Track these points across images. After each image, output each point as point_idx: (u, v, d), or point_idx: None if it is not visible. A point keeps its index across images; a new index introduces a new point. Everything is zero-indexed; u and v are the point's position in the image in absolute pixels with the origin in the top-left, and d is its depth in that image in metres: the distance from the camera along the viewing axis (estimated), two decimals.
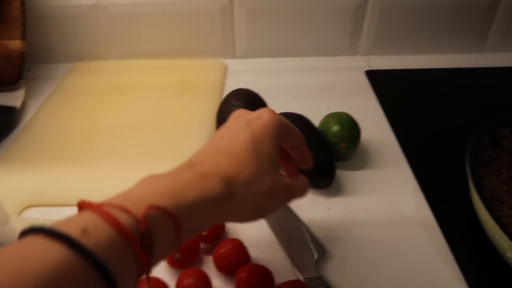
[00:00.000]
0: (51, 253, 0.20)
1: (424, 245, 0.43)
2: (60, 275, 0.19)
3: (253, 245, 0.42)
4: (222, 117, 0.54)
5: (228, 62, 0.78)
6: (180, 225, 0.25)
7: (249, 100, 0.54)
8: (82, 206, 0.24)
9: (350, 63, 0.77)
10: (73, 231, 0.21)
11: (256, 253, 0.42)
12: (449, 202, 0.49)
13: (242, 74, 0.74)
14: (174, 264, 0.41)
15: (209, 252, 0.43)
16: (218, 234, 0.43)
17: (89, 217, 0.22)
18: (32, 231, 0.21)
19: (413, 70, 0.74)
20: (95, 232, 0.21)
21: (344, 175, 0.52)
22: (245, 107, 0.53)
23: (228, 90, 0.58)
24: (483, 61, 0.76)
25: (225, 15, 0.73)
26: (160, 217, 0.25)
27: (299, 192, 0.36)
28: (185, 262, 0.41)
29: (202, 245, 0.43)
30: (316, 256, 0.42)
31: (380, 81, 0.72)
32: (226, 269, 0.40)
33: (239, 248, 0.40)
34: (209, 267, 0.41)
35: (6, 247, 0.20)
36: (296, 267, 0.41)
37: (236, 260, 0.39)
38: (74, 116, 0.64)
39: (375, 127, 0.61)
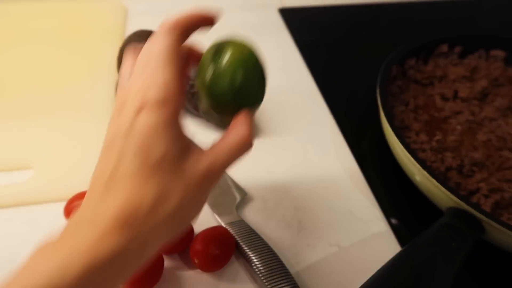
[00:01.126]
0: None
1: (341, 178, 0.44)
2: None
3: None
4: None
5: (129, 4, 0.69)
6: None
7: None
8: None
9: (262, 1, 0.73)
10: None
11: None
12: (363, 134, 0.50)
13: (144, 17, 0.66)
14: None
15: None
16: None
17: None
18: None
19: (326, 7, 0.73)
20: None
21: (264, 115, 0.51)
22: None
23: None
24: None
25: None
26: None
27: (231, 158, 0.26)
28: None
29: None
30: (236, 200, 0.40)
31: (294, 19, 0.69)
32: None
33: None
34: None
35: None
36: (216, 213, 0.39)
37: None
38: None
39: (291, 66, 0.59)
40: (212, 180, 0.25)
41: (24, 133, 0.46)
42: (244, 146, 0.26)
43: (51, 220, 0.38)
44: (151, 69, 0.25)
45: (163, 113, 0.23)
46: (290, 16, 0.70)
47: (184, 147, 0.25)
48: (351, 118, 0.51)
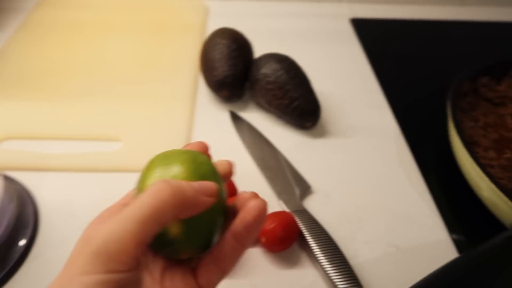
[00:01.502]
0: None
1: (403, 184, 0.45)
2: None
3: (240, 178, 0.43)
4: (206, 55, 0.53)
5: (210, 3, 0.74)
6: None
7: (235, 39, 0.53)
8: None
9: (334, 10, 0.76)
10: None
11: (244, 186, 0.42)
12: (428, 145, 0.50)
13: (224, 17, 0.71)
14: None
15: None
16: None
17: None
18: None
19: (397, 21, 0.75)
20: None
21: (329, 117, 0.53)
22: (230, 46, 0.52)
23: (210, 32, 0.56)
24: (464, 14, 0.77)
25: None
26: None
27: None
28: None
29: None
30: (300, 192, 0.43)
31: (365, 29, 0.71)
32: None
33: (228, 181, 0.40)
34: None
35: None
36: (282, 200, 0.42)
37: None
38: (46, 52, 0.60)
39: (359, 74, 0.61)
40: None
41: (116, 111, 0.51)
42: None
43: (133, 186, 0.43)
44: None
45: None
46: (361, 26, 0.72)
47: None
48: (417, 129, 0.52)
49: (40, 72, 0.56)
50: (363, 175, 0.46)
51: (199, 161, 0.25)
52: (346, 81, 0.59)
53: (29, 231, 0.39)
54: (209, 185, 0.24)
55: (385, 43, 0.69)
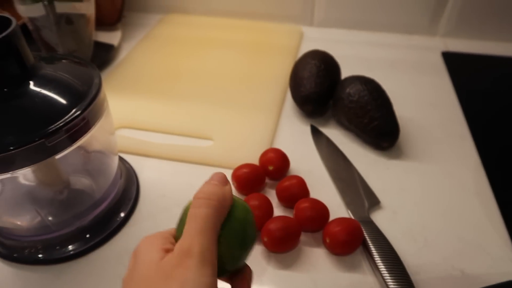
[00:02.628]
0: None
1: (476, 213, 0.45)
2: None
3: (313, 185, 0.46)
4: (296, 73, 0.58)
5: (305, 29, 0.81)
6: None
7: (324, 60, 0.58)
8: None
9: (426, 42, 0.77)
10: None
11: (315, 192, 0.46)
12: (510, 179, 0.49)
13: (317, 42, 0.76)
14: (242, 190, 0.46)
15: (272, 186, 0.48)
16: (282, 171, 0.48)
17: None
18: None
19: (490, 57, 0.73)
20: None
21: (407, 141, 0.54)
22: (319, 66, 0.56)
23: (301, 54, 0.61)
24: None
25: None
26: None
27: None
28: (251, 190, 0.45)
29: (267, 180, 0.48)
30: (368, 204, 0.45)
31: (456, 63, 0.71)
32: (287, 200, 0.44)
33: (301, 183, 0.44)
34: (272, 199, 0.45)
35: None
36: (350, 210, 0.44)
37: (297, 193, 0.44)
38: (161, 60, 0.71)
39: (444, 104, 0.61)
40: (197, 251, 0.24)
41: (211, 114, 0.59)
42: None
43: None
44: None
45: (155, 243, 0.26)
46: (452, 60, 0.72)
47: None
48: (501, 165, 0.51)
49: (154, 76, 0.67)
50: (435, 199, 0.47)
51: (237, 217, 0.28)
52: (429, 109, 0.60)
53: (130, 204, 0.46)
54: (218, 175, 0.28)
55: (475, 77, 0.69)
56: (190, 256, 0.23)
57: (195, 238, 0.24)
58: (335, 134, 0.56)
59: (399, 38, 0.78)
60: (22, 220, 0.41)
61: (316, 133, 0.56)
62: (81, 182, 0.45)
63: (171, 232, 0.28)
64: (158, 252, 0.25)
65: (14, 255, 0.41)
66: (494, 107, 0.62)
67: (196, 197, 0.27)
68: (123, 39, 0.76)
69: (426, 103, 0.62)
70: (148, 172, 0.50)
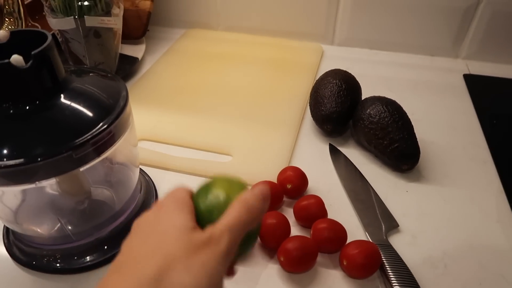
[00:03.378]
0: None
1: (500, 241, 0.44)
2: None
3: (330, 205, 0.46)
4: (317, 91, 0.58)
5: (326, 47, 0.81)
6: None
7: (345, 80, 0.58)
8: None
9: (448, 64, 0.76)
10: None
11: (333, 213, 0.46)
12: None
13: (338, 60, 0.77)
14: None
15: (289, 205, 0.48)
16: (300, 190, 0.48)
17: None
18: None
19: None
20: None
21: (427, 164, 0.54)
22: (341, 86, 0.57)
23: (322, 73, 0.62)
24: None
25: (331, 2, 0.76)
26: None
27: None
28: (269, 208, 0.45)
29: (285, 198, 0.48)
30: (387, 227, 0.44)
31: (478, 86, 0.70)
32: (304, 220, 0.44)
33: (319, 203, 0.44)
34: (289, 217, 0.45)
35: None
36: (368, 232, 0.44)
37: (315, 213, 0.44)
38: (184, 74, 0.72)
39: (466, 127, 0.61)
40: (217, 240, 0.25)
41: (231, 129, 0.59)
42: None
43: None
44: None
45: (177, 205, 0.28)
46: (474, 82, 0.71)
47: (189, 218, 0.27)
48: None
49: (175, 90, 0.68)
50: (456, 224, 0.46)
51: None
52: (451, 132, 0.59)
53: None
54: (266, 187, 0.30)
55: (497, 101, 0.68)
56: (218, 245, 0.25)
57: (228, 232, 0.26)
58: (354, 154, 0.55)
59: (421, 59, 0.78)
60: (43, 229, 0.42)
61: (334, 152, 0.55)
62: (102, 193, 0.45)
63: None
64: (189, 221, 0.26)
65: (34, 262, 0.41)
66: None
67: (254, 194, 0.28)
68: (147, 52, 0.77)
69: (448, 125, 0.61)
70: (167, 185, 0.51)
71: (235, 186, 0.31)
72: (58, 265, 0.41)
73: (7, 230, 0.45)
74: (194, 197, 0.30)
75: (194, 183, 0.51)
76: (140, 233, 0.27)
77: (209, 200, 0.29)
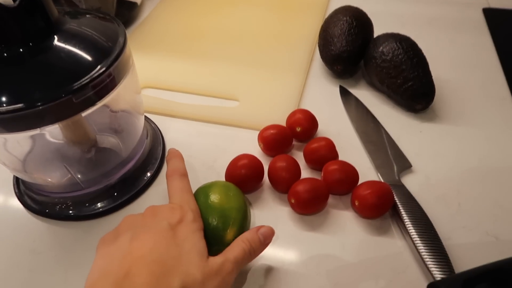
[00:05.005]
0: None
1: None
2: None
3: (341, 148, 0.45)
4: (326, 30, 0.55)
5: None
6: None
7: (356, 17, 0.54)
8: None
9: None
10: None
11: (344, 155, 0.45)
12: None
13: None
14: (269, 151, 0.45)
15: (299, 148, 0.47)
16: (310, 133, 0.46)
17: None
18: None
19: None
20: None
21: (442, 104, 0.52)
22: (351, 23, 0.53)
23: (331, 12, 0.58)
24: None
25: None
26: None
27: (238, 261, 0.31)
28: (278, 152, 0.44)
29: (295, 142, 0.47)
30: (400, 168, 0.43)
31: (498, 21, 0.66)
32: (315, 162, 0.43)
33: (329, 145, 0.43)
34: (299, 161, 0.44)
35: None
36: (380, 173, 0.43)
37: (325, 155, 0.43)
38: (186, 18, 0.69)
39: (484, 64, 0.58)
40: (226, 271, 0.30)
41: (238, 74, 0.57)
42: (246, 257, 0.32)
43: (246, 139, 0.48)
44: (186, 199, 0.34)
45: (196, 225, 0.32)
46: (494, 16, 0.67)
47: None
48: None
49: (178, 35, 0.65)
50: (471, 163, 0.45)
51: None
52: (468, 70, 0.57)
53: (156, 163, 0.46)
54: (270, 233, 0.34)
55: None
56: (227, 275, 0.30)
57: (236, 266, 0.31)
58: (365, 95, 0.53)
59: None
60: (52, 177, 0.42)
61: (345, 94, 0.53)
62: (108, 140, 0.45)
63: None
64: (206, 248, 0.31)
65: (47, 210, 0.42)
66: None
67: (244, 238, 0.33)
68: None
69: (465, 63, 0.58)
70: (174, 133, 0.50)
71: (231, 191, 0.36)
72: (70, 212, 0.41)
73: (17, 180, 0.45)
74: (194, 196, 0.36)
75: (201, 130, 0.50)
76: (146, 238, 0.30)
77: (207, 202, 0.35)
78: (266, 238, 0.34)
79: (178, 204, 0.33)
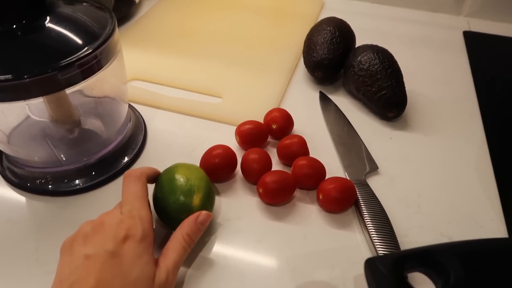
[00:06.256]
0: None
1: (474, 187, 0.45)
2: None
3: (314, 147, 0.47)
4: (311, 38, 0.58)
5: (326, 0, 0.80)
6: None
7: (339, 28, 0.57)
8: None
9: (449, 21, 0.75)
10: None
11: (315, 153, 0.47)
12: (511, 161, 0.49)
13: (337, 12, 0.74)
14: (244, 145, 0.47)
15: (274, 145, 0.49)
16: (285, 131, 0.49)
17: None
18: None
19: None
20: None
21: (414, 114, 0.54)
22: (334, 33, 0.56)
23: None
24: None
25: None
26: None
27: (176, 264, 0.33)
28: (253, 146, 0.47)
29: (270, 139, 0.49)
30: (367, 170, 0.46)
31: (477, 43, 0.70)
32: (286, 158, 0.46)
33: (301, 142, 0.45)
34: (273, 157, 0.46)
35: None
36: (347, 172, 0.45)
37: (297, 151, 0.45)
38: (181, 18, 0.72)
39: (459, 83, 0.61)
40: (170, 282, 0.32)
41: (223, 72, 0.60)
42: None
43: (225, 133, 0.50)
44: (137, 206, 0.34)
45: (143, 245, 0.32)
46: (472, 39, 0.70)
47: (154, 265, 0.32)
48: (506, 145, 0.51)
49: (172, 34, 0.68)
50: (434, 170, 0.47)
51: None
52: (442, 86, 0.60)
53: (135, 150, 0.48)
54: (207, 219, 0.36)
55: (495, 59, 0.67)
56: (170, 284, 0.32)
57: (172, 273, 0.32)
58: (343, 102, 0.56)
59: (422, 15, 0.77)
60: (34, 151, 0.44)
61: (324, 99, 0.56)
62: (91, 123, 0.47)
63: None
64: (153, 269, 0.32)
65: (28, 184, 0.43)
66: (509, 88, 0.61)
67: (185, 234, 0.34)
68: None
69: (440, 80, 0.61)
70: (157, 123, 0.52)
71: (193, 171, 0.38)
72: (49, 187, 0.43)
73: (0, 156, 0.47)
74: (159, 179, 0.38)
75: (183, 122, 0.53)
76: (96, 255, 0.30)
77: (173, 183, 0.37)
78: (204, 224, 0.36)
79: (127, 212, 0.33)
